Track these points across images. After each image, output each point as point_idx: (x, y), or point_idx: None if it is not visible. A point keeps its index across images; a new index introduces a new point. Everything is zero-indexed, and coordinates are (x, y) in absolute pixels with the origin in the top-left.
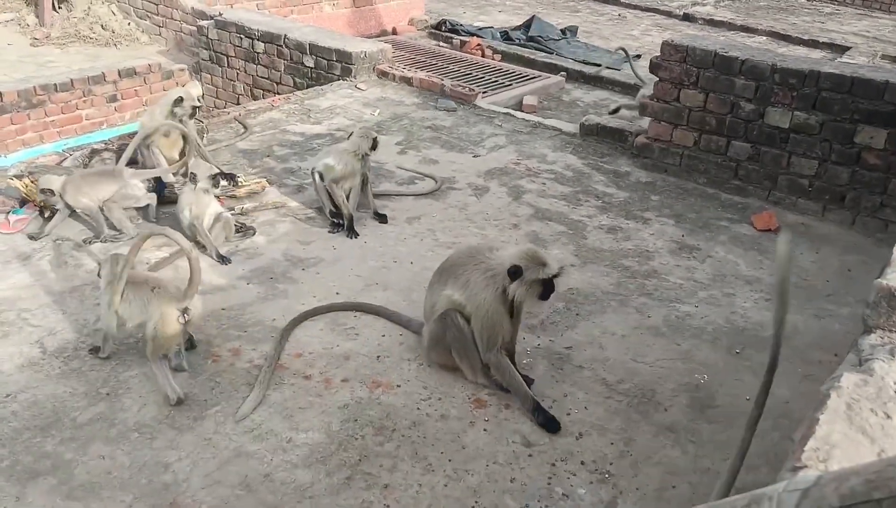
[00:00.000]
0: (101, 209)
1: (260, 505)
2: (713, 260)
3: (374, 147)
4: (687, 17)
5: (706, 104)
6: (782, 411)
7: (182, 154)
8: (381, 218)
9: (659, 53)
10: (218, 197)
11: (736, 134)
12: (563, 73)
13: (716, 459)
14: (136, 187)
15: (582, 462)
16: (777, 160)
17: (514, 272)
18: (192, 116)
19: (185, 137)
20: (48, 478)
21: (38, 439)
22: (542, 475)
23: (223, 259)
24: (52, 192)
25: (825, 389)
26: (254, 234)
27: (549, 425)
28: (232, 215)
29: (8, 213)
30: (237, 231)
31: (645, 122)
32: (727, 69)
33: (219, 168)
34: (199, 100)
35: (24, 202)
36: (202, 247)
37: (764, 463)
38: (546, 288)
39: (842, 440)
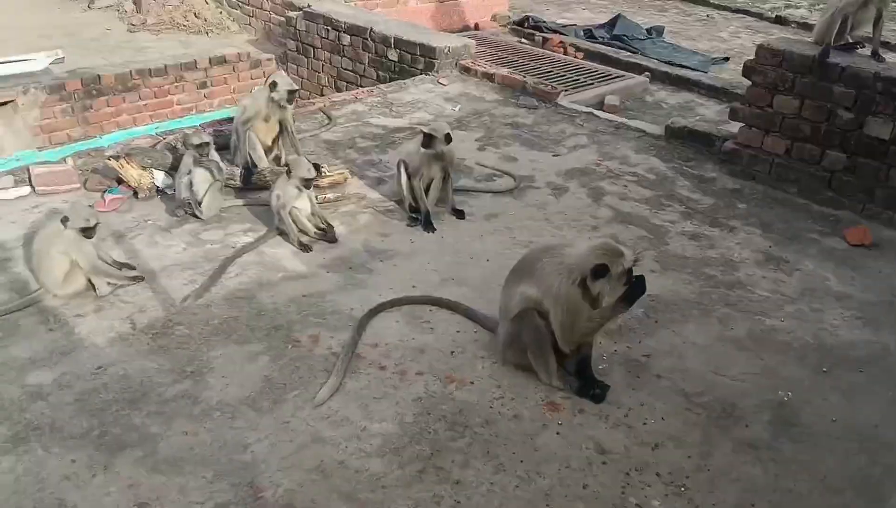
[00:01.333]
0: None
1: (334, 492)
2: (802, 273)
3: (447, 140)
4: (779, 20)
5: (801, 111)
6: (870, 434)
7: (275, 141)
8: (459, 214)
9: (750, 57)
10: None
11: (831, 143)
12: (647, 73)
13: (799, 480)
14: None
15: (657, 474)
16: (875, 173)
17: (599, 272)
18: (289, 101)
19: (282, 125)
20: (135, 450)
21: (126, 411)
22: (616, 483)
23: (304, 247)
24: (207, 145)
25: None
26: (334, 240)
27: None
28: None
29: (104, 192)
30: (319, 229)
31: (734, 127)
32: (826, 76)
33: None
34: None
35: (119, 182)
36: (284, 234)
37: (849, 487)
38: (630, 285)
39: None
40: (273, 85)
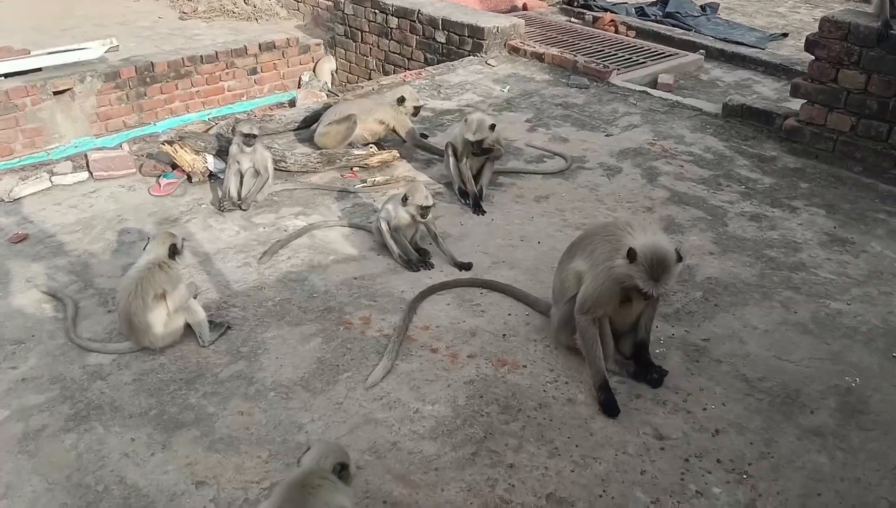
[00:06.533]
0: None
1: (387, 473)
2: (868, 255)
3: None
4: None
5: (867, 86)
6: None
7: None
8: (478, 206)
9: (810, 32)
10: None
11: None
12: (701, 51)
13: (867, 469)
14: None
15: (718, 460)
16: None
17: (630, 256)
18: (414, 114)
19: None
20: (191, 429)
21: (183, 391)
22: (675, 470)
23: (410, 265)
24: (255, 137)
25: None
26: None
27: (608, 408)
28: (363, 187)
29: (159, 177)
30: (419, 255)
31: (794, 104)
32: (894, 49)
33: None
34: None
35: (174, 167)
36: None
37: None
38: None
39: None
40: (401, 99)
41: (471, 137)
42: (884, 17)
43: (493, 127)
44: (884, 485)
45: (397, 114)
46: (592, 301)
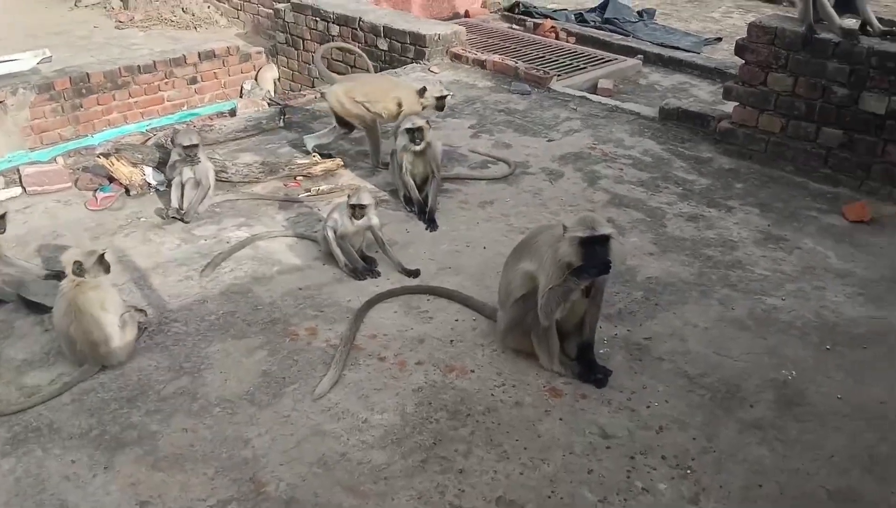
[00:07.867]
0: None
1: (336, 484)
2: (801, 252)
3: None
4: None
5: (795, 88)
6: (877, 411)
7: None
8: (431, 223)
9: (743, 36)
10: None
11: (827, 120)
12: (639, 56)
13: (805, 459)
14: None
15: (662, 457)
16: (871, 148)
17: (564, 228)
18: (438, 107)
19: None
20: (134, 448)
21: (124, 410)
22: (621, 468)
23: (356, 274)
24: (196, 147)
25: None
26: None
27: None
28: (307, 196)
29: (95, 190)
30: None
31: (728, 107)
32: (819, 52)
33: None
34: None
35: (111, 180)
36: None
37: (857, 465)
38: (587, 253)
39: None
40: (422, 91)
41: (406, 126)
42: (808, 22)
43: (427, 123)
44: (821, 474)
45: (416, 104)
46: (547, 298)
